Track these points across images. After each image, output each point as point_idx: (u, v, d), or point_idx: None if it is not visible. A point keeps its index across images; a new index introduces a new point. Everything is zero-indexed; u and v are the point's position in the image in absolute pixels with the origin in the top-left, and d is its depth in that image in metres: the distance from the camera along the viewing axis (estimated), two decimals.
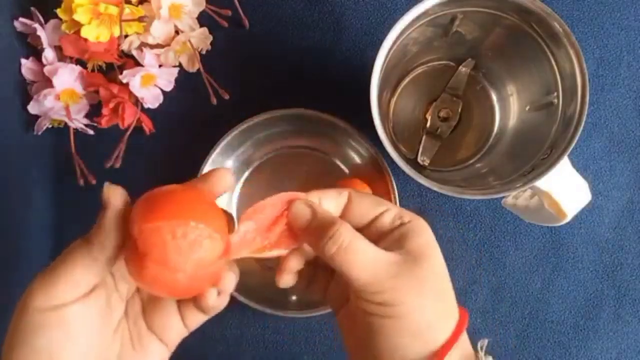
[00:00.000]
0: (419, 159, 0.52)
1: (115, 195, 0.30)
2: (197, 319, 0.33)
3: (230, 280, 0.31)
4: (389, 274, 0.30)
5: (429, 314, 0.30)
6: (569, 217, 0.43)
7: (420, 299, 0.30)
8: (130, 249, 0.29)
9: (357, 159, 0.53)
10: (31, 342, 0.27)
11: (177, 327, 0.33)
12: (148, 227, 0.28)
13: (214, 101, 0.52)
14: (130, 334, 0.32)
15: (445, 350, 0.30)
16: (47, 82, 0.49)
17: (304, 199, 0.33)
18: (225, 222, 0.31)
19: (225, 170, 0.32)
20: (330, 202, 0.33)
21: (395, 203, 0.50)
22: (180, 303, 0.33)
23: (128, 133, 0.51)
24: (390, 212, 0.33)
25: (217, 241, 0.30)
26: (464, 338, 0.32)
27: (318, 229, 0.31)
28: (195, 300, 0.31)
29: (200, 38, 0.51)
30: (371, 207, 0.33)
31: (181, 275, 0.29)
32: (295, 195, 0.33)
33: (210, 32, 0.52)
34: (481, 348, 0.32)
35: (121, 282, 0.32)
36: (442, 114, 0.53)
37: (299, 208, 0.32)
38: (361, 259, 0.30)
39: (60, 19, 0.48)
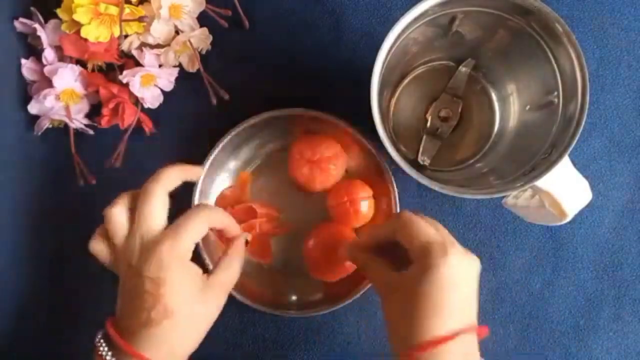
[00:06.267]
0: (419, 159, 0.52)
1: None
2: None
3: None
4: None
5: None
6: (569, 216, 0.43)
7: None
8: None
9: (357, 159, 0.53)
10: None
11: None
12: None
13: (214, 101, 0.52)
14: None
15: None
16: (47, 82, 0.49)
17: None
18: None
19: None
20: None
21: (395, 203, 0.50)
22: None
23: (128, 133, 0.51)
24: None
25: None
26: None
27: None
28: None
29: (200, 38, 0.51)
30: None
31: None
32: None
33: (210, 32, 0.52)
34: None
35: None
36: (442, 114, 0.53)
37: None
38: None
39: (60, 19, 0.48)
